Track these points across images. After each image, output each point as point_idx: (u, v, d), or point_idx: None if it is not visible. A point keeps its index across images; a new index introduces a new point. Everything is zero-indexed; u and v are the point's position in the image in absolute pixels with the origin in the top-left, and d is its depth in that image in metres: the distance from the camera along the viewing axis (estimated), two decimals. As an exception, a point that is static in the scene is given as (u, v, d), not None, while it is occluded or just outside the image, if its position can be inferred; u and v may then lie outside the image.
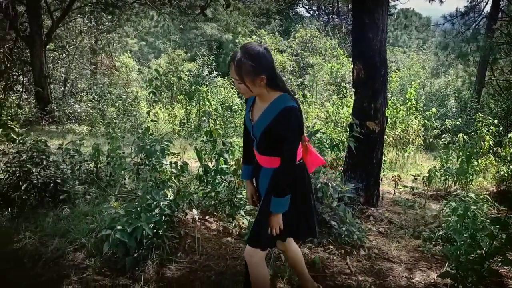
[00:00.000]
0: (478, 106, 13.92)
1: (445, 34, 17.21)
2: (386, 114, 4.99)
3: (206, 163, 4.19)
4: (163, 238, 3.29)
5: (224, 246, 3.57)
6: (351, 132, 4.65)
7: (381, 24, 4.66)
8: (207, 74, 14.06)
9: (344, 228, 3.76)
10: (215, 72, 14.55)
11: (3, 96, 11.57)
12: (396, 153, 8.74)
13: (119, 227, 2.97)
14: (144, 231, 2.98)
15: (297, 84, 19.03)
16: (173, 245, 3.37)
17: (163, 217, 3.25)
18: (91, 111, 11.91)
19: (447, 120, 9.58)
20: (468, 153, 6.28)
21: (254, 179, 2.56)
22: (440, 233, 4.13)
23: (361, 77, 4.77)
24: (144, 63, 24.99)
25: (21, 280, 2.86)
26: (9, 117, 9.96)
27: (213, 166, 4.13)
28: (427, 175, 6.19)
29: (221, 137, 4.34)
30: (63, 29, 14.79)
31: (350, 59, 15.27)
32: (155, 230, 3.19)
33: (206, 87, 12.55)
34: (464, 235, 3.43)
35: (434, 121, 9.86)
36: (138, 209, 3.18)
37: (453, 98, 15.68)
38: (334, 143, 4.80)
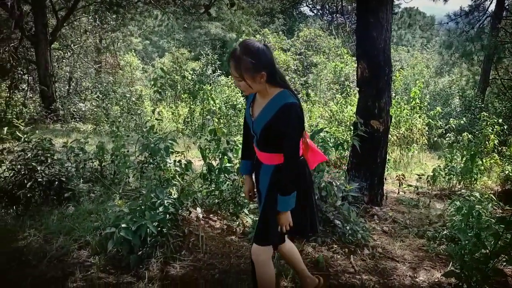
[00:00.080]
0: (483, 105, 13.86)
1: (449, 33, 17.12)
2: (390, 113, 4.98)
3: (210, 161, 4.19)
4: (167, 236, 3.30)
5: (228, 244, 3.58)
6: (355, 131, 4.64)
7: (385, 23, 4.65)
8: (211, 73, 14.06)
9: (348, 227, 3.75)
10: (219, 71, 14.55)
11: (8, 94, 11.63)
12: (400, 152, 8.72)
13: (123, 225, 2.98)
14: (148, 229, 2.99)
15: (301, 83, 19.03)
16: (177, 243, 3.37)
17: (167, 215, 3.25)
18: (95, 109, 11.95)
19: (451, 119, 9.55)
20: (472, 152, 6.26)
21: (254, 175, 2.55)
22: (445, 232, 4.12)
23: (365, 76, 4.76)
24: (148, 62, 25.06)
25: (26, 278, 2.88)
26: (14, 116, 10.03)
27: (217, 164, 4.14)
28: (432, 174, 6.18)
29: (225, 135, 4.34)
30: (68, 28, 14.84)
31: (354, 58, 15.24)
32: (159, 228, 3.19)
33: (210, 86, 12.55)
34: (469, 234, 3.41)
35: (438, 120, 9.84)
36: (142, 207, 3.19)
37: (457, 97, 15.61)
38: (338, 142, 4.79)
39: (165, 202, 3.27)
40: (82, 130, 10.37)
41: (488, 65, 15.59)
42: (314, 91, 16.57)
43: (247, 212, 4.08)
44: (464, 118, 10.05)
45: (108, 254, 3.14)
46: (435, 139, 9.92)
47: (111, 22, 15.74)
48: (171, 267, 3.13)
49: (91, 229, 3.51)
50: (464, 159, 6.30)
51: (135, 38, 21.48)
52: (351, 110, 9.54)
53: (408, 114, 9.04)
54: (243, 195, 4.13)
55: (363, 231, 3.81)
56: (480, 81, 15.99)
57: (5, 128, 4.53)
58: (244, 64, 2.09)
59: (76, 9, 13.63)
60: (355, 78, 5.13)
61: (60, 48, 14.97)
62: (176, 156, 4.42)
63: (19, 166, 4.07)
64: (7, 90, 11.80)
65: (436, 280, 3.25)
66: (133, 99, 13.15)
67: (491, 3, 15.55)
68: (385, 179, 5.43)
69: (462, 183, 6.35)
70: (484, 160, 6.86)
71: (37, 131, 4.68)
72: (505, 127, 8.63)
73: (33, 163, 4.04)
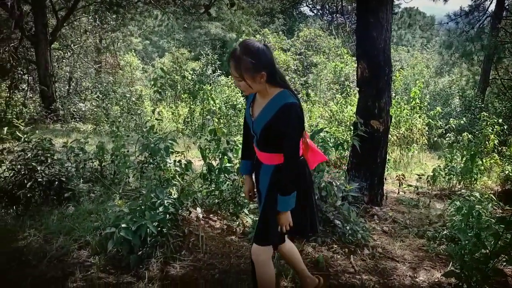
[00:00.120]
0: (483, 105, 13.86)
1: (449, 33, 17.12)
2: (390, 113, 4.98)
3: (210, 161, 4.19)
4: (167, 236, 3.30)
5: (228, 244, 3.58)
6: (355, 131, 4.64)
7: (385, 23, 4.65)
8: (211, 73, 14.06)
9: (348, 227, 3.75)
10: (219, 71, 14.56)
11: (8, 94, 11.63)
12: (400, 152, 8.72)
13: (123, 225, 2.98)
14: (148, 229, 2.99)
15: (301, 83, 19.04)
16: (177, 243, 3.37)
17: (167, 216, 3.25)
18: (95, 109, 11.95)
19: (451, 119, 9.55)
20: (472, 152, 6.26)
21: (254, 175, 2.55)
22: (445, 232, 4.12)
23: (365, 76, 4.76)
24: (148, 62, 25.06)
25: (26, 278, 2.87)
26: (14, 116, 10.03)
27: (217, 164, 4.14)
28: (432, 174, 6.18)
29: (225, 135, 4.34)
30: (68, 28, 14.84)
31: (354, 58, 15.24)
32: (159, 228, 3.19)
33: (210, 86, 12.55)
34: (469, 234, 3.41)
35: (438, 120, 9.84)
36: (142, 207, 3.19)
37: (457, 97, 15.62)
38: (338, 142, 4.79)
39: (165, 202, 3.27)
40: (82, 130, 10.37)
41: (488, 65, 15.59)
42: (314, 91, 16.57)
43: (247, 212, 4.08)
44: (464, 118, 10.05)
45: (108, 254, 3.14)
46: (435, 139, 9.92)
47: (111, 22, 15.74)
48: (171, 267, 3.13)
49: (91, 229, 3.51)
50: (464, 159, 6.30)
51: (135, 38, 21.49)
52: (351, 110, 9.54)
53: (408, 114, 9.05)
54: (243, 195, 4.13)
55: (363, 231, 3.81)
56: (480, 81, 15.99)
57: (5, 128, 4.53)
58: (244, 64, 2.09)
59: (76, 9, 13.64)
60: (355, 78, 5.13)
61: (60, 48, 14.97)
62: (176, 156, 4.42)
63: (19, 166, 4.07)
64: (7, 90, 11.80)
65: (436, 280, 3.25)
66: (133, 99, 13.15)
67: (491, 3, 15.56)
68: (385, 179, 5.43)
69: (462, 183, 6.35)
70: (484, 160, 6.86)
71: (37, 131, 4.68)
72: (505, 127, 8.63)
73: (33, 163, 4.04)
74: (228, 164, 4.10)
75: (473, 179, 6.30)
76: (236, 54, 2.11)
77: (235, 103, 12.26)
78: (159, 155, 4.00)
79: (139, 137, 4.26)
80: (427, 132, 9.39)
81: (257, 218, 3.01)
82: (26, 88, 13.02)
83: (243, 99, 12.84)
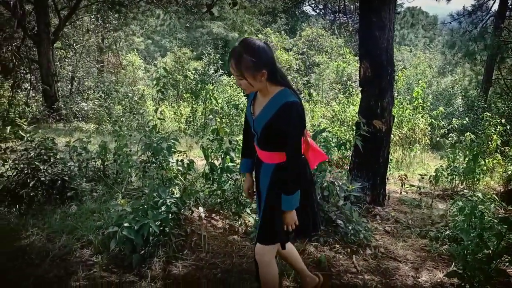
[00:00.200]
0: (485, 105, 13.82)
1: (452, 33, 17.10)
2: (393, 113, 4.98)
3: (212, 161, 4.20)
4: (169, 235, 3.30)
5: (230, 244, 3.58)
6: (357, 131, 4.63)
7: (388, 23, 4.64)
8: (213, 73, 14.08)
9: (350, 227, 3.75)
10: (221, 71, 14.57)
11: (11, 94, 11.64)
12: (403, 152, 8.71)
13: (126, 224, 2.99)
14: (150, 229, 2.99)
15: (303, 82, 19.02)
16: (179, 243, 3.38)
17: (170, 215, 3.26)
18: (98, 109, 11.97)
19: (454, 119, 9.54)
20: (475, 153, 6.24)
21: (254, 174, 2.54)
22: (447, 232, 4.11)
23: (368, 76, 4.76)
24: (151, 62, 25.08)
25: (29, 277, 2.88)
26: (17, 115, 10.03)
27: (219, 164, 4.14)
28: (434, 174, 6.16)
29: (227, 135, 4.34)
30: (70, 28, 14.87)
31: (357, 58, 15.23)
32: (161, 228, 3.20)
33: (212, 86, 12.56)
34: (471, 234, 3.41)
35: (441, 120, 9.81)
36: (145, 206, 3.20)
37: (460, 97, 15.58)
38: (341, 142, 4.78)
39: (168, 201, 3.28)
40: (85, 130, 10.39)
41: (491, 65, 15.55)
42: (316, 91, 16.54)
43: (249, 212, 4.09)
44: (466, 118, 10.01)
45: (110, 253, 3.15)
46: (438, 139, 9.90)
47: (114, 21, 15.77)
48: (173, 266, 3.14)
49: (93, 228, 3.52)
50: (466, 159, 6.28)
51: (137, 37, 21.52)
52: (354, 110, 9.51)
53: (411, 114, 9.03)
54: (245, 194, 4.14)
55: (365, 231, 3.81)
56: (483, 81, 15.94)
57: (8, 127, 4.56)
58: (244, 63, 2.09)
59: (79, 9, 13.65)
60: (358, 77, 5.12)
61: (63, 47, 15.00)
62: (178, 155, 4.42)
63: (22, 165, 4.09)
64: (10, 90, 11.81)
65: (438, 281, 3.25)
66: (135, 98, 13.18)
67: (494, 2, 15.56)
68: (388, 179, 5.43)
69: (464, 183, 6.33)
70: (486, 160, 6.84)
71: (39, 131, 4.70)
72: (508, 127, 8.60)
73: (36, 162, 4.06)
74: (230, 164, 4.10)
75: (475, 179, 6.28)
76: (237, 53, 2.10)
77: (237, 102, 12.25)
78: (161, 154, 4.01)
79: (142, 136, 4.26)
80: (429, 132, 9.37)
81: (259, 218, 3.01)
82: (29, 87, 13.04)
83: (245, 99, 12.84)
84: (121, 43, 18.20)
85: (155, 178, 4.10)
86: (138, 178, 4.69)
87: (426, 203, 5.38)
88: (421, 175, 6.65)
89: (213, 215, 4.04)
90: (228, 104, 12.29)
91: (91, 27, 15.71)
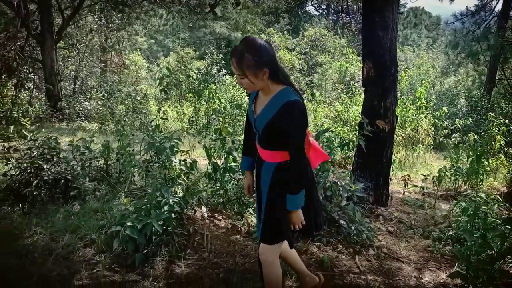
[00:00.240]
0: (489, 105, 13.78)
1: (455, 33, 17.04)
2: (396, 113, 4.97)
3: (215, 161, 4.20)
4: (172, 235, 3.30)
5: (233, 243, 3.58)
6: (361, 131, 4.63)
7: (391, 23, 4.63)
8: (215, 72, 14.08)
9: (353, 227, 3.74)
10: (223, 70, 14.57)
11: (14, 93, 11.69)
12: (406, 153, 8.69)
13: (129, 224, 2.99)
14: (153, 228, 3.00)
15: (306, 82, 19.02)
16: (182, 242, 3.38)
17: (172, 214, 3.26)
18: (101, 108, 11.99)
19: (457, 119, 9.49)
20: (478, 153, 6.23)
21: (255, 172, 2.53)
22: (450, 233, 4.10)
23: (371, 76, 4.75)
24: (153, 61, 25.10)
25: (32, 276, 2.89)
26: (20, 114, 10.06)
27: (222, 164, 4.14)
28: (437, 174, 6.15)
29: (230, 135, 4.34)
30: (73, 27, 14.90)
31: (359, 58, 15.21)
32: (164, 227, 3.20)
33: (215, 85, 12.56)
34: (475, 235, 3.40)
35: (444, 121, 9.79)
36: (148, 206, 3.20)
37: (463, 97, 15.54)
38: (344, 142, 4.78)
39: (170, 201, 3.28)
40: (88, 129, 10.41)
41: (494, 65, 15.50)
42: (319, 91, 16.53)
43: (251, 212, 4.09)
44: (470, 119, 9.97)
45: (113, 252, 3.15)
46: (441, 139, 9.87)
47: (117, 21, 15.79)
48: (176, 265, 3.14)
49: (96, 227, 3.53)
50: (470, 159, 6.27)
51: (140, 37, 21.56)
52: (357, 110, 9.50)
53: (414, 114, 9.01)
54: (248, 193, 4.14)
55: (368, 231, 3.80)
56: (486, 81, 15.89)
57: (12, 127, 4.57)
58: (246, 61, 2.08)
59: (82, 8, 13.68)
60: (361, 77, 5.12)
61: (66, 47, 15.04)
62: (181, 155, 4.43)
63: (25, 164, 4.10)
64: (13, 89, 11.86)
65: (441, 281, 3.24)
66: (138, 98, 13.18)
67: (497, 2, 15.47)
68: (391, 180, 5.41)
69: (468, 183, 6.31)
70: (490, 161, 6.82)
71: (43, 130, 4.71)
72: (511, 127, 8.57)
73: (39, 162, 4.06)
74: (233, 164, 4.10)
75: (479, 179, 6.26)
76: (238, 51, 2.10)
77: (240, 102, 12.25)
78: (164, 154, 4.01)
79: (145, 136, 4.27)
80: (433, 133, 9.35)
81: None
82: (32, 86, 13.07)
83: (248, 99, 12.84)
84: (124, 42, 18.23)
85: (158, 177, 4.10)
86: (141, 177, 4.69)
87: (429, 203, 5.37)
88: (424, 175, 6.64)
89: (216, 214, 4.04)
90: (230, 103, 12.29)
91: (94, 26, 15.74)
